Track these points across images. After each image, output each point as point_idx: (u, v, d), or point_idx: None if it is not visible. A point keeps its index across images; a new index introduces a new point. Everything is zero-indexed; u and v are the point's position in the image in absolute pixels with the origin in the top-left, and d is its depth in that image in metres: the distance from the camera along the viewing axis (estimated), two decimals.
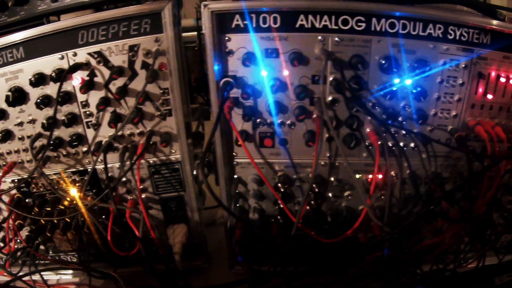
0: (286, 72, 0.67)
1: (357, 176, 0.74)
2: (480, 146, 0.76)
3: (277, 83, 0.65)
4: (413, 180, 0.73)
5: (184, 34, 0.72)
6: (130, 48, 0.68)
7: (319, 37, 0.65)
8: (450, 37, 0.69)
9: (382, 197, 0.77)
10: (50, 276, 0.83)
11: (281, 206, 0.71)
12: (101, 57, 0.68)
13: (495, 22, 0.72)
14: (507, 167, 0.75)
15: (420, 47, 0.68)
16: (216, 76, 0.66)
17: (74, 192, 0.70)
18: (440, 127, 0.74)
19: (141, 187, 0.75)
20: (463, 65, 0.71)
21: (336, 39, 0.65)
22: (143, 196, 0.76)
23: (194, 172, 0.69)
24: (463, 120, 0.75)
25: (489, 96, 0.74)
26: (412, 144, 0.73)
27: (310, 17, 0.65)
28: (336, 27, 0.65)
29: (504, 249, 0.89)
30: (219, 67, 0.66)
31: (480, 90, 0.74)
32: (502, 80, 0.74)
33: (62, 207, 0.74)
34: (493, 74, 0.74)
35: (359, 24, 0.66)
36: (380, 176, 0.73)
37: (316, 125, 0.67)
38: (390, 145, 0.72)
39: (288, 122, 0.69)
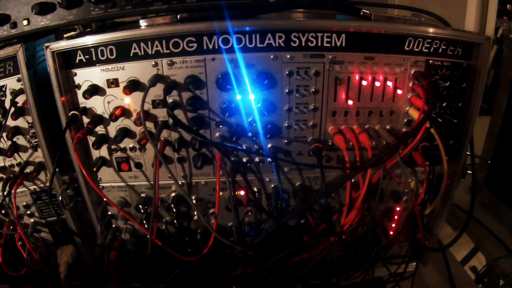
0: (128, 100, 0.78)
1: (221, 193, 0.83)
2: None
3: (117, 111, 0.76)
4: (275, 195, 0.80)
5: None
6: None
7: (152, 63, 0.75)
8: (294, 45, 0.75)
9: (249, 213, 0.85)
10: None
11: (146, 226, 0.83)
12: None
13: (344, 23, 0.76)
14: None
15: (259, 60, 0.75)
16: (66, 110, 0.79)
17: None
18: (298, 139, 0.80)
19: (28, 212, 0.91)
20: (314, 72, 0.76)
21: (168, 62, 0.75)
22: (31, 220, 0.91)
23: (60, 198, 0.83)
24: (325, 130, 0.80)
25: (350, 102, 0.79)
26: (269, 159, 0.81)
27: (142, 44, 0.75)
28: (168, 51, 0.74)
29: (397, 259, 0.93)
30: (69, 101, 0.79)
31: (343, 96, 0.79)
32: (364, 83, 0.78)
33: None
34: (356, 77, 0.78)
35: (191, 45, 0.74)
36: (242, 193, 0.82)
37: (160, 148, 0.77)
38: (245, 161, 0.81)
39: (138, 146, 0.81)
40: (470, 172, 0.98)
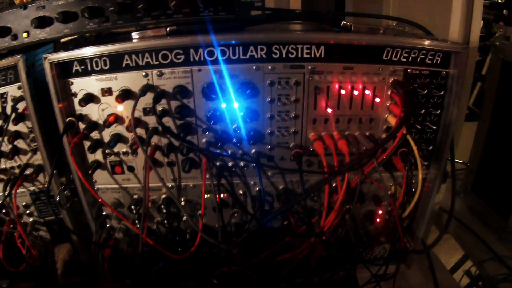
0: (120, 108, 0.85)
1: (206, 196, 0.90)
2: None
3: (110, 118, 0.84)
4: (259, 198, 0.87)
5: None
6: (1, 95, 0.93)
7: (143, 73, 0.83)
8: (275, 56, 0.81)
9: (236, 214, 0.92)
10: None
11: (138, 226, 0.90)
12: None
13: (323, 35, 0.82)
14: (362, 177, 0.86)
15: (242, 70, 0.82)
16: (63, 116, 0.87)
17: None
18: (281, 145, 0.87)
19: (27, 212, 1.00)
20: (294, 82, 0.83)
21: (157, 73, 0.82)
22: (30, 219, 0.99)
23: (58, 199, 0.91)
24: (306, 136, 0.87)
25: (329, 110, 0.85)
26: (253, 164, 0.87)
27: (133, 56, 0.82)
28: (157, 62, 0.82)
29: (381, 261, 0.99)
30: (66, 108, 0.87)
31: (322, 104, 0.85)
32: (343, 92, 0.85)
33: None
34: (335, 86, 0.85)
35: (178, 57, 0.81)
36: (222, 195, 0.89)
37: (150, 153, 0.84)
38: (230, 165, 0.88)
39: (130, 150, 0.88)
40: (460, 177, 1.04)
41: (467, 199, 1.30)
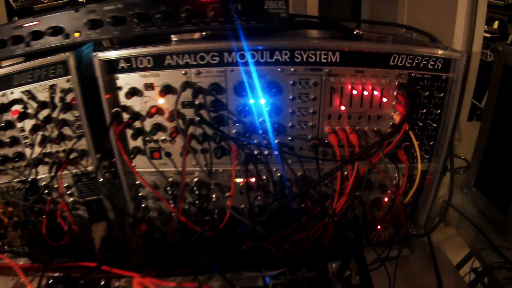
0: (161, 101, 1.16)
1: (238, 180, 1.21)
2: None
3: (152, 109, 1.15)
4: (280, 182, 1.18)
5: None
6: (50, 87, 1.23)
7: (183, 72, 1.14)
8: (297, 60, 1.12)
9: (259, 197, 1.24)
10: None
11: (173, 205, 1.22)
12: (30, 94, 1.24)
13: (337, 43, 1.13)
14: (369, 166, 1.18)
15: (269, 72, 1.12)
16: (109, 107, 1.17)
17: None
18: (300, 137, 1.18)
19: (68, 192, 1.30)
20: (313, 82, 1.14)
21: (195, 72, 1.13)
22: (71, 199, 1.30)
23: (100, 180, 1.22)
24: (322, 130, 1.19)
25: (342, 108, 1.16)
26: (276, 152, 1.19)
27: (175, 57, 1.13)
28: (195, 63, 1.12)
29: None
30: (111, 99, 1.17)
31: (336, 102, 1.17)
32: (355, 92, 1.16)
33: (11, 209, 1.33)
34: (348, 87, 1.16)
35: (214, 58, 1.11)
36: (253, 180, 1.21)
37: (187, 140, 1.16)
38: (256, 153, 1.19)
39: (169, 138, 1.20)
40: (461, 172, 1.37)
41: (470, 194, 1.62)
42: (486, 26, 2.63)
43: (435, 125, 1.22)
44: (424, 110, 1.20)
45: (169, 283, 0.95)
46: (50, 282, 1.08)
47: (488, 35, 2.08)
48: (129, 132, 1.19)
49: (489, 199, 1.54)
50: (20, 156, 1.29)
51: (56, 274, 1.12)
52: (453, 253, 1.84)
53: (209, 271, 1.00)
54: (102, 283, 1.04)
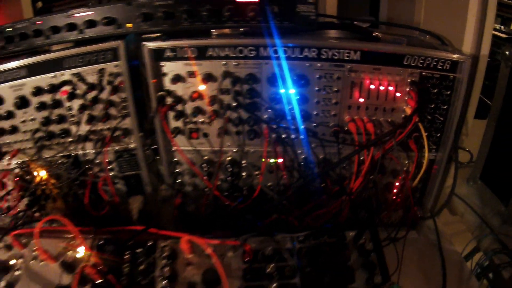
0: (202, 87, 1.47)
1: (272, 160, 1.53)
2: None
3: (194, 94, 1.46)
4: (305, 163, 1.50)
5: None
6: (99, 70, 1.53)
7: (223, 62, 1.45)
8: (323, 57, 1.43)
9: (284, 176, 1.55)
10: None
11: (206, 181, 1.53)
12: (79, 77, 1.54)
13: (358, 44, 1.45)
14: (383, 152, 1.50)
15: (298, 66, 1.44)
16: (155, 91, 1.48)
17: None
18: (323, 124, 1.49)
19: (109, 167, 1.62)
20: (336, 77, 1.46)
21: (235, 63, 1.44)
22: (111, 174, 1.61)
23: (143, 156, 1.53)
24: (342, 118, 1.50)
25: (361, 100, 1.48)
26: (302, 136, 1.50)
27: (216, 49, 1.44)
28: (234, 55, 1.44)
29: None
30: (157, 84, 1.48)
31: (356, 95, 1.49)
32: (372, 87, 1.48)
33: (53, 181, 1.63)
34: (367, 82, 1.48)
35: (251, 52, 1.42)
36: (280, 160, 1.52)
37: (225, 122, 1.47)
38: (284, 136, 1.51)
39: (207, 120, 1.51)
40: (465, 163, 1.69)
41: (476, 186, 1.94)
42: (502, 27, 2.97)
43: (442, 119, 1.53)
44: (433, 105, 1.51)
45: (214, 241, 1.25)
46: (100, 243, 1.37)
47: (503, 35, 2.40)
48: (171, 114, 1.49)
49: (493, 191, 1.87)
50: (66, 132, 1.59)
51: (105, 237, 1.41)
52: (461, 246, 2.16)
53: (247, 231, 1.30)
54: (149, 244, 1.34)
